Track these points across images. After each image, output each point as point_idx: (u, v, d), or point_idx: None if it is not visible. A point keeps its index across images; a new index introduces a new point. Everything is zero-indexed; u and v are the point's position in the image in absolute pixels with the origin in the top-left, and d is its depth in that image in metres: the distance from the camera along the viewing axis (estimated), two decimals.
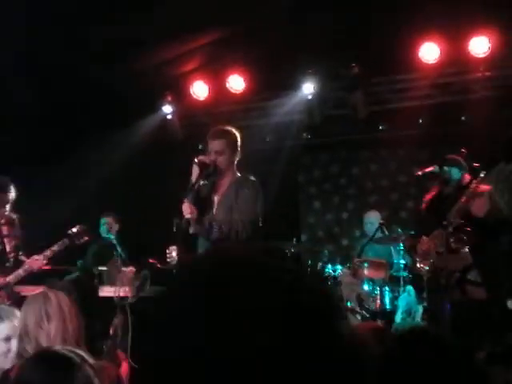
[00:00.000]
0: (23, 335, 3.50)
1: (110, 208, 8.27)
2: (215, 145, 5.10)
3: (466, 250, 4.80)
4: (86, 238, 6.52)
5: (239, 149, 5.20)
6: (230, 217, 4.95)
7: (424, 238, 5.56)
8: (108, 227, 8.15)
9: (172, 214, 5.12)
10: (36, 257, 6.16)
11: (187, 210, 4.94)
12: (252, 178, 5.18)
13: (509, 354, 2.77)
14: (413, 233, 6.48)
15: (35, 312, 3.52)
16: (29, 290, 6.65)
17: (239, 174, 5.20)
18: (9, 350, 3.58)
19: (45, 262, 6.19)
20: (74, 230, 6.41)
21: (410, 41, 7.98)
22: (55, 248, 6.25)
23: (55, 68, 7.73)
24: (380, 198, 9.91)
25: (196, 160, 5.05)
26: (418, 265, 5.29)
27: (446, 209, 5.33)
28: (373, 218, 8.34)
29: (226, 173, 5.13)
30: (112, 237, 7.91)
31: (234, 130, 5.26)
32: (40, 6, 6.64)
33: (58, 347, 2.63)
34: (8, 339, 3.61)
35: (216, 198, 5.14)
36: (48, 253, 6.20)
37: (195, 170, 5.03)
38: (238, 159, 5.24)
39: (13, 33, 6.85)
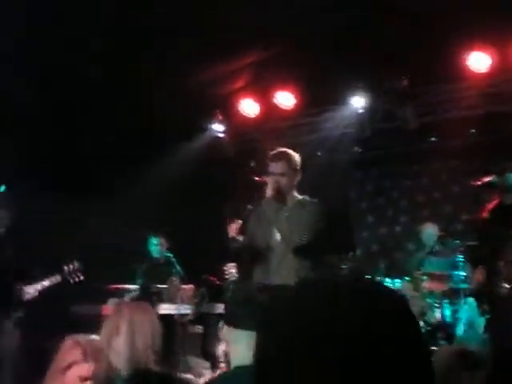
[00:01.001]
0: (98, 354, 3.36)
1: (164, 226, 8.32)
2: (276, 167, 4.99)
3: None
4: (81, 278, 6.28)
5: (300, 172, 5.14)
6: (291, 239, 4.90)
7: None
8: (160, 246, 8.19)
9: (225, 231, 5.12)
10: (27, 289, 6.03)
11: (234, 228, 4.92)
12: (314, 200, 5.12)
13: None
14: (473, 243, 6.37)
15: (106, 328, 3.45)
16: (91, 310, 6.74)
17: (300, 197, 5.11)
18: None
19: (35, 294, 6.03)
20: (70, 266, 6.24)
21: (459, 50, 7.92)
22: (46, 283, 6.10)
23: (111, 97, 7.86)
24: (433, 210, 9.79)
25: (256, 179, 5.02)
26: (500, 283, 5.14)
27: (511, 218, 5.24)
28: (430, 231, 8.23)
29: (287, 195, 5.06)
30: (170, 255, 7.98)
31: (294, 152, 5.15)
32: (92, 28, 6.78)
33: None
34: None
35: (278, 221, 5.04)
36: (39, 287, 6.05)
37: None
38: (298, 182, 5.17)
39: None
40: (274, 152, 5.14)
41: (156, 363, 3.40)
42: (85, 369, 3.22)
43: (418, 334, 1.02)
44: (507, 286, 4.98)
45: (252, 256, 4.97)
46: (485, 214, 5.70)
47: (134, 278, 8.04)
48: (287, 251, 4.89)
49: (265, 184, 4.95)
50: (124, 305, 3.85)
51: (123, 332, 3.44)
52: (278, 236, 4.96)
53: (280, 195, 4.94)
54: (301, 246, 4.84)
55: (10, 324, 6.00)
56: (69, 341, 3.29)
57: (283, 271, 4.84)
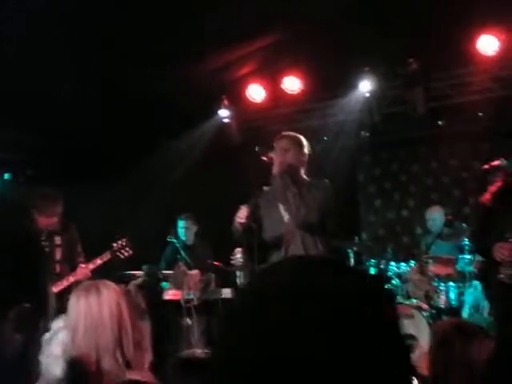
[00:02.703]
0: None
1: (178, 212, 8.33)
2: (279, 144, 5.07)
3: None
4: (130, 252, 6.42)
5: (306, 151, 5.17)
6: (298, 218, 4.92)
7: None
8: (187, 230, 8.21)
9: (233, 217, 5.12)
10: (83, 265, 6.16)
11: (242, 214, 4.92)
12: (325, 180, 5.15)
13: None
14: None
15: (79, 306, 2.96)
16: None
17: (309, 179, 5.13)
18: None
19: (90, 273, 6.14)
20: (118, 243, 6.37)
21: (468, 34, 7.87)
22: (98, 261, 6.22)
23: (113, 78, 7.87)
24: (441, 194, 9.80)
25: (264, 158, 5.05)
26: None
27: None
28: (436, 214, 8.23)
29: (295, 173, 5.08)
30: (174, 240, 7.98)
31: (298, 135, 5.24)
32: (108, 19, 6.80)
33: None
34: None
35: (286, 199, 5.06)
36: (91, 265, 6.18)
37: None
38: (305, 163, 5.20)
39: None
40: (279, 135, 5.24)
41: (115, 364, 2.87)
42: None
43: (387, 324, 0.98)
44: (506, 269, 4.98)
45: (260, 240, 4.99)
46: (487, 196, 5.69)
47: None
48: (295, 230, 4.92)
49: (272, 162, 4.98)
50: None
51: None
52: (286, 215, 4.99)
53: (287, 171, 4.97)
54: (309, 225, 4.86)
55: None
56: None
57: (292, 251, 4.88)
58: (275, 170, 4.97)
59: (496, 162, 5.56)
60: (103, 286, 3.04)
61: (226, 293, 7.66)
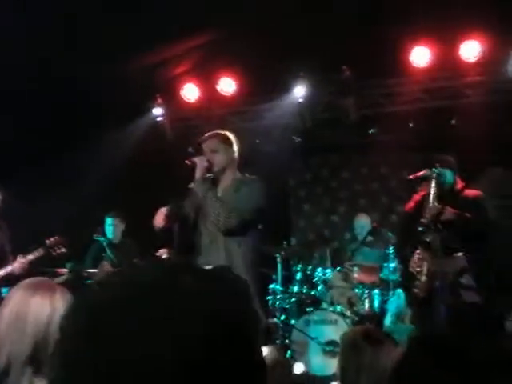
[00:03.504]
0: None
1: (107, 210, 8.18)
2: (208, 144, 5.05)
3: (460, 253, 4.79)
4: (63, 250, 6.31)
5: (235, 149, 5.14)
6: (221, 219, 4.89)
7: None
8: (115, 227, 8.06)
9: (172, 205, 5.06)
10: (21, 259, 6.06)
11: (159, 217, 4.89)
12: (254, 176, 5.13)
13: (503, 359, 2.76)
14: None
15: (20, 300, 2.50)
16: None
17: (239, 175, 5.13)
18: None
19: (21, 269, 6.02)
20: (51, 240, 6.26)
21: (401, 45, 7.99)
22: (30, 257, 6.12)
23: (48, 74, 7.70)
24: (370, 201, 9.92)
25: (187, 161, 4.99)
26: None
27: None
28: (363, 222, 8.34)
29: (224, 173, 5.06)
30: (102, 239, 7.84)
31: (226, 132, 5.22)
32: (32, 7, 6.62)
33: None
34: None
35: (208, 201, 5.03)
36: (23, 260, 6.07)
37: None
38: (236, 159, 5.16)
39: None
40: (206, 134, 5.19)
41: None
42: None
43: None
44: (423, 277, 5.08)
45: (183, 240, 4.95)
46: (410, 205, 5.78)
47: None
48: (218, 234, 4.90)
49: (194, 166, 4.93)
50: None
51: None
52: (208, 217, 4.95)
53: (211, 174, 4.95)
54: (231, 230, 4.83)
55: None
56: None
57: (214, 252, 4.86)
58: (198, 174, 4.91)
59: (421, 172, 5.65)
60: (60, 291, 2.62)
61: None
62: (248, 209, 4.86)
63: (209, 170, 4.95)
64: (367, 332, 3.12)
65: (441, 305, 4.31)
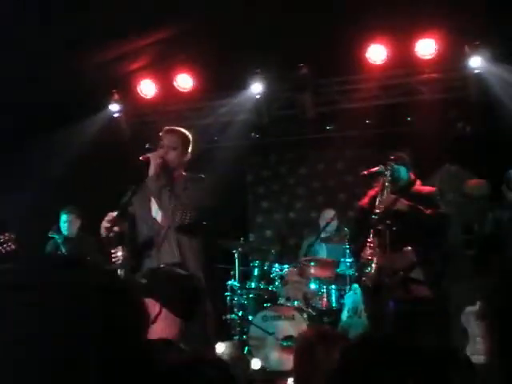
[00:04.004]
0: None
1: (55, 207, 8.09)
2: (169, 139, 5.03)
3: (409, 248, 4.85)
4: (13, 247, 6.15)
5: (190, 150, 5.16)
6: (173, 217, 4.89)
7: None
8: (69, 224, 7.95)
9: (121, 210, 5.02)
10: None
11: (106, 222, 4.87)
12: (200, 175, 5.14)
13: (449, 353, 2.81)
14: None
15: None
16: None
17: (188, 174, 5.12)
18: None
19: None
20: (1, 236, 6.04)
21: (358, 42, 8.03)
22: None
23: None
24: (328, 197, 9.97)
25: (141, 158, 4.96)
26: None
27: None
28: (326, 216, 8.38)
29: (175, 171, 5.05)
30: (56, 236, 7.75)
31: (187, 132, 5.22)
32: None
33: None
34: None
35: (161, 199, 5.02)
36: None
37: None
38: (187, 161, 5.18)
39: None
40: (168, 127, 5.20)
41: None
42: None
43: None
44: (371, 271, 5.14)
45: (134, 238, 4.93)
46: (364, 200, 5.84)
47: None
48: (170, 229, 4.89)
49: (148, 162, 4.90)
50: None
51: None
52: (159, 216, 4.94)
53: (165, 172, 4.93)
54: (185, 227, 4.83)
55: None
56: None
57: (166, 249, 4.85)
58: (151, 171, 4.89)
59: (375, 168, 5.71)
60: None
61: None
62: (199, 206, 4.88)
63: (162, 166, 4.92)
64: (322, 332, 3.14)
65: (389, 300, 4.35)
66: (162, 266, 4.77)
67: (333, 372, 1.69)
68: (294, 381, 3.06)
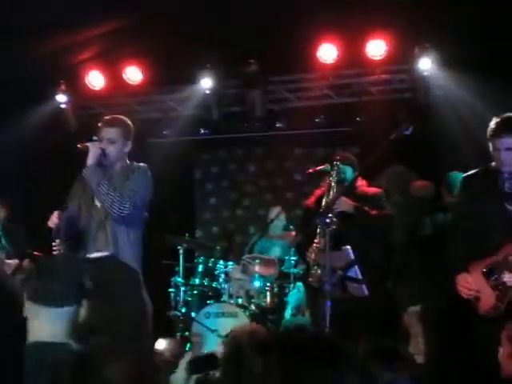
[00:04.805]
0: None
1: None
2: (108, 133, 4.83)
3: (348, 247, 4.84)
4: None
5: (131, 140, 5.01)
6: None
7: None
8: None
9: (60, 205, 4.93)
10: None
11: (52, 220, 4.79)
12: (142, 164, 5.00)
13: (386, 353, 2.82)
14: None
15: None
16: None
17: (128, 163, 4.95)
18: None
19: None
20: None
21: (309, 41, 8.02)
22: None
23: None
24: (275, 195, 9.98)
25: (79, 145, 4.81)
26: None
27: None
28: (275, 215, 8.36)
29: (115, 164, 4.91)
30: None
31: (128, 120, 5.02)
32: None
33: None
34: None
35: (100, 193, 4.88)
36: None
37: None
38: (128, 150, 5.02)
39: None
40: (107, 118, 5.02)
41: None
42: None
43: None
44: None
45: (70, 229, 4.82)
46: (311, 199, 5.84)
47: None
48: (106, 219, 4.77)
49: (87, 151, 4.76)
50: None
51: None
52: (97, 204, 4.84)
53: (104, 163, 4.80)
54: (122, 217, 4.70)
55: None
56: None
57: (100, 239, 4.76)
58: (90, 161, 4.76)
59: (320, 167, 5.71)
60: None
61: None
62: (139, 196, 4.77)
63: (101, 157, 4.78)
64: (253, 336, 3.09)
65: (327, 300, 4.34)
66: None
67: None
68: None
